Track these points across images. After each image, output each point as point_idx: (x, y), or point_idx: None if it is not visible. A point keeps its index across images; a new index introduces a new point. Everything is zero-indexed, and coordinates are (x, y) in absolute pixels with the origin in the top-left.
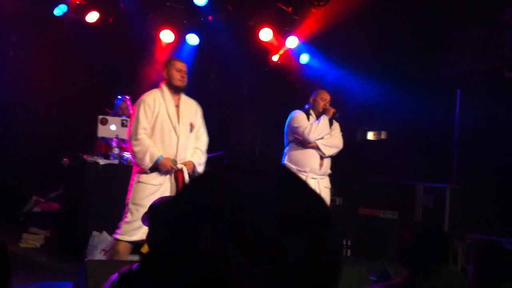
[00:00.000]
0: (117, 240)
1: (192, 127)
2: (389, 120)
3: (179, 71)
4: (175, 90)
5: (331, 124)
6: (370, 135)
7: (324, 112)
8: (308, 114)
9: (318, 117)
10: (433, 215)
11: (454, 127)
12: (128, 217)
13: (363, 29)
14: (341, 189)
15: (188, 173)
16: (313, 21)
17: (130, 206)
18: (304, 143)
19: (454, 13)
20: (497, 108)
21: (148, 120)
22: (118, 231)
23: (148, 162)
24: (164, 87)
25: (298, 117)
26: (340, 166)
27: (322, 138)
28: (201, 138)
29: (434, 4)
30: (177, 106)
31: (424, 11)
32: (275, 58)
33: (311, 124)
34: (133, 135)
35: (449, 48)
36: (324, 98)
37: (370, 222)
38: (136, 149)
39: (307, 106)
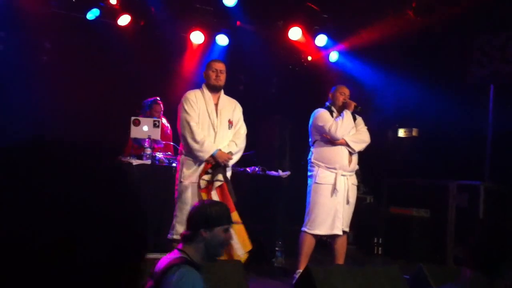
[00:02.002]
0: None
1: (231, 124)
2: (421, 117)
3: (214, 71)
4: (213, 89)
5: (354, 118)
6: (401, 132)
7: (344, 106)
8: (330, 111)
9: (340, 112)
10: (467, 214)
11: (488, 124)
12: (179, 215)
13: (396, 29)
14: (372, 187)
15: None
16: (344, 21)
17: (179, 205)
18: (331, 141)
19: (485, 14)
20: None
21: (195, 112)
22: (172, 231)
23: (206, 152)
24: (204, 87)
25: (322, 116)
26: (371, 164)
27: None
28: (240, 132)
29: (465, 7)
30: (216, 104)
31: (455, 14)
32: (309, 58)
33: (335, 121)
34: (185, 130)
35: (479, 48)
36: (343, 93)
37: (402, 220)
38: (190, 141)
39: (327, 103)
